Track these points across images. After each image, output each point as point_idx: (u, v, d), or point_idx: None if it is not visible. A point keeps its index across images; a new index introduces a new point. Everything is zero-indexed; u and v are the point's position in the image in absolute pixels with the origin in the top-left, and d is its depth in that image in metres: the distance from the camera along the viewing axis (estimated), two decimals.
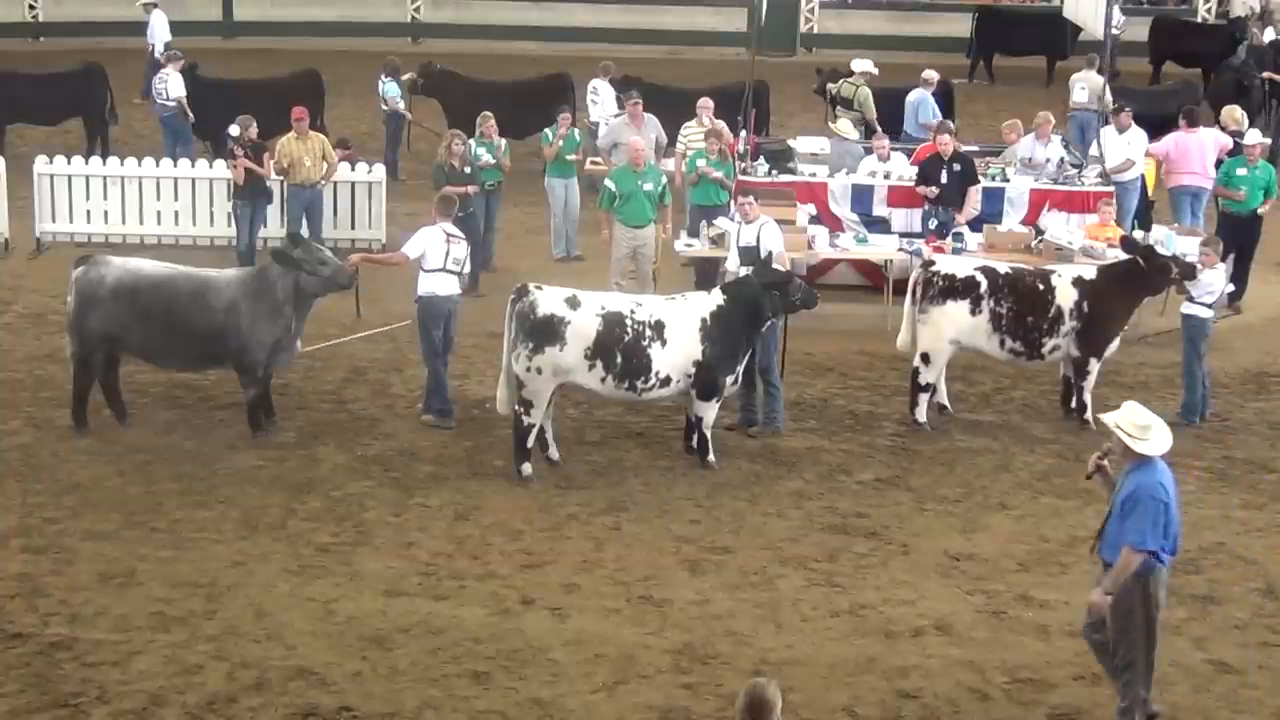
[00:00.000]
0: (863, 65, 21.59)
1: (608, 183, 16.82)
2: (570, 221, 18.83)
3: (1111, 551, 9.04)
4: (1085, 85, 22.46)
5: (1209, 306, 14.13)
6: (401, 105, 22.42)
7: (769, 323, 13.19)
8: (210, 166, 19.24)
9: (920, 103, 21.15)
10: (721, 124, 18.44)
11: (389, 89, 22.37)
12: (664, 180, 16.80)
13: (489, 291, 16.39)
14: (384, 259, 14.65)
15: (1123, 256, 14.83)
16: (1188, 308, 14.14)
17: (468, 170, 17.25)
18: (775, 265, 13.46)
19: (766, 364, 13.64)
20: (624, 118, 19.48)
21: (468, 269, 13.97)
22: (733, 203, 15.85)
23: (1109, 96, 20.70)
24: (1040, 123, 18.69)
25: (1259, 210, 17.32)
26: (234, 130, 18.03)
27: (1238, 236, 16.98)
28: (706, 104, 18.88)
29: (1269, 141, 18.43)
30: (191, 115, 21.24)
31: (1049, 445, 13.70)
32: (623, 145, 18.07)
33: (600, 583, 11.00)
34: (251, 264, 16.26)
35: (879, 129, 20.25)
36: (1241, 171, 17.30)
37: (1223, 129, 19.05)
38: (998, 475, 13.06)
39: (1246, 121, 19.88)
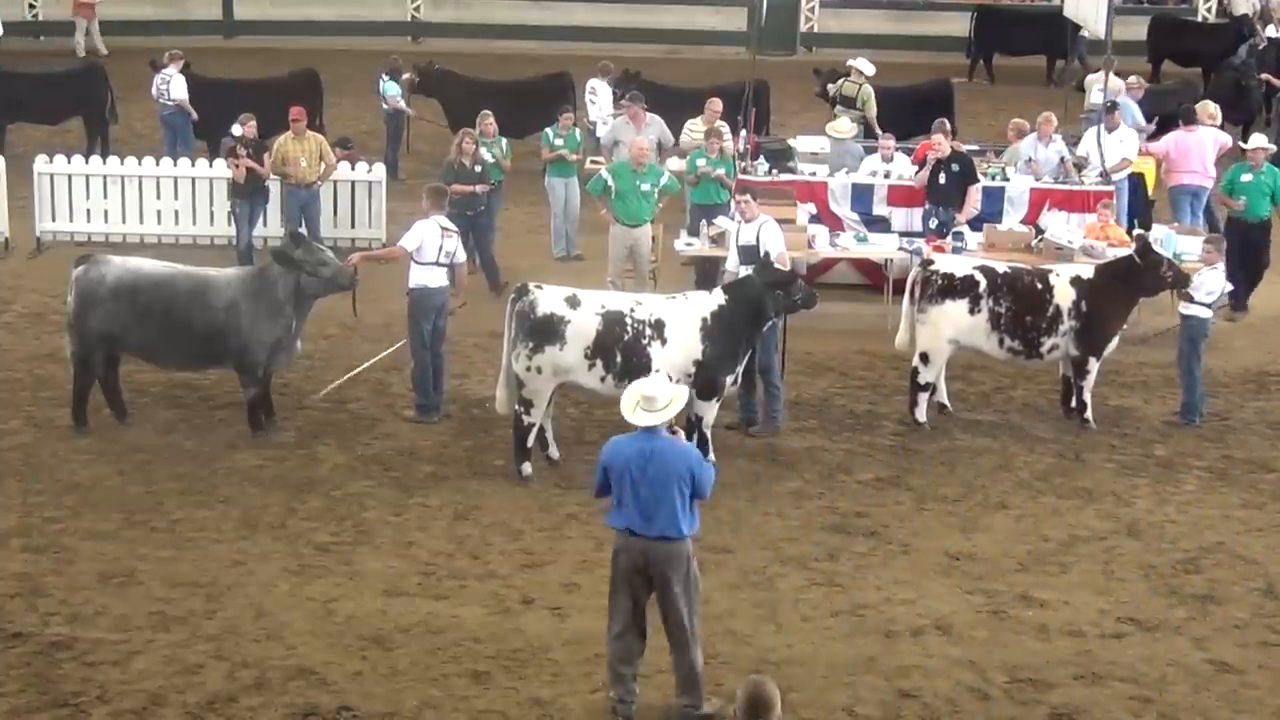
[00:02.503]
0: (862, 65, 21.56)
1: (604, 173, 16.79)
2: (570, 221, 18.81)
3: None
4: (1102, 87, 22.35)
5: (1209, 307, 14.13)
6: (402, 103, 22.42)
7: (770, 322, 13.19)
8: (210, 166, 19.24)
9: (1122, 106, 20.91)
10: (723, 124, 18.41)
11: (389, 87, 22.38)
12: (665, 177, 16.75)
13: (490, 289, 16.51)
14: (383, 254, 14.85)
15: (1122, 255, 14.82)
16: (1187, 308, 14.12)
17: (478, 169, 17.26)
18: (776, 265, 13.45)
19: (766, 363, 13.63)
20: (624, 117, 19.46)
21: (459, 258, 13.98)
22: (733, 202, 15.84)
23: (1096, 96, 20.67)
24: (1042, 123, 18.66)
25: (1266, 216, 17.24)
26: (235, 130, 18.04)
27: (1244, 244, 16.80)
28: (716, 104, 18.83)
29: (1273, 148, 18.30)
30: (195, 114, 21.24)
31: (1049, 445, 13.69)
32: (624, 143, 18.05)
33: (600, 582, 10.92)
34: (250, 263, 16.27)
35: (879, 128, 20.24)
36: (1246, 178, 17.11)
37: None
38: (998, 475, 13.06)
39: (1220, 116, 19.76)
